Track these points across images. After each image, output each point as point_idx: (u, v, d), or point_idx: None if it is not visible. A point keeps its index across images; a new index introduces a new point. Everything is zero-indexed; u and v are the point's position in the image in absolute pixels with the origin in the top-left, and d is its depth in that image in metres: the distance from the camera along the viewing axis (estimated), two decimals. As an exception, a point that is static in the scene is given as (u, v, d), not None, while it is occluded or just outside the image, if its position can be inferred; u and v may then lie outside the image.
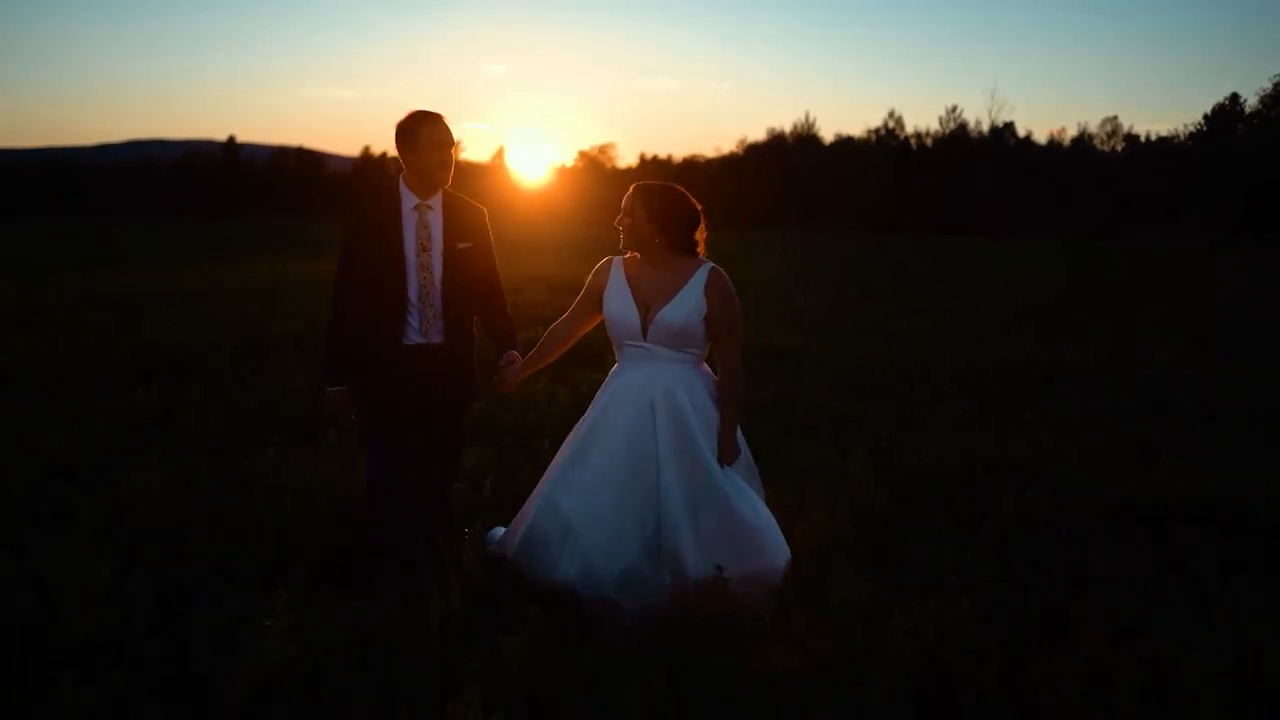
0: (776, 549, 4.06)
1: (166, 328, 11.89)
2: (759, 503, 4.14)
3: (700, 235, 4.14)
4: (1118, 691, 3.10)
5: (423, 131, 4.11)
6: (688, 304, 4.01)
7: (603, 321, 4.29)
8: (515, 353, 4.42)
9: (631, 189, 4.12)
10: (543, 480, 4.36)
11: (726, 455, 4.09)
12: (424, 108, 4.20)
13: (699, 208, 4.13)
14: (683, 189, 4.14)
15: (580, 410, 7.08)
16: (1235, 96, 79.74)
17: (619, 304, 4.15)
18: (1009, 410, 8.15)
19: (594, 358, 9.50)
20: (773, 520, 4.13)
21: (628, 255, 4.22)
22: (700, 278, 4.04)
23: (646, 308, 4.08)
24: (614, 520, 3.98)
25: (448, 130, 4.17)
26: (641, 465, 4.01)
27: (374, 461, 4.31)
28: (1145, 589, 4.15)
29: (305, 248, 35.95)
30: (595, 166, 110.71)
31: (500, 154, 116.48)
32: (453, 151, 4.21)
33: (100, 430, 7.03)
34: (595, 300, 4.28)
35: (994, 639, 3.52)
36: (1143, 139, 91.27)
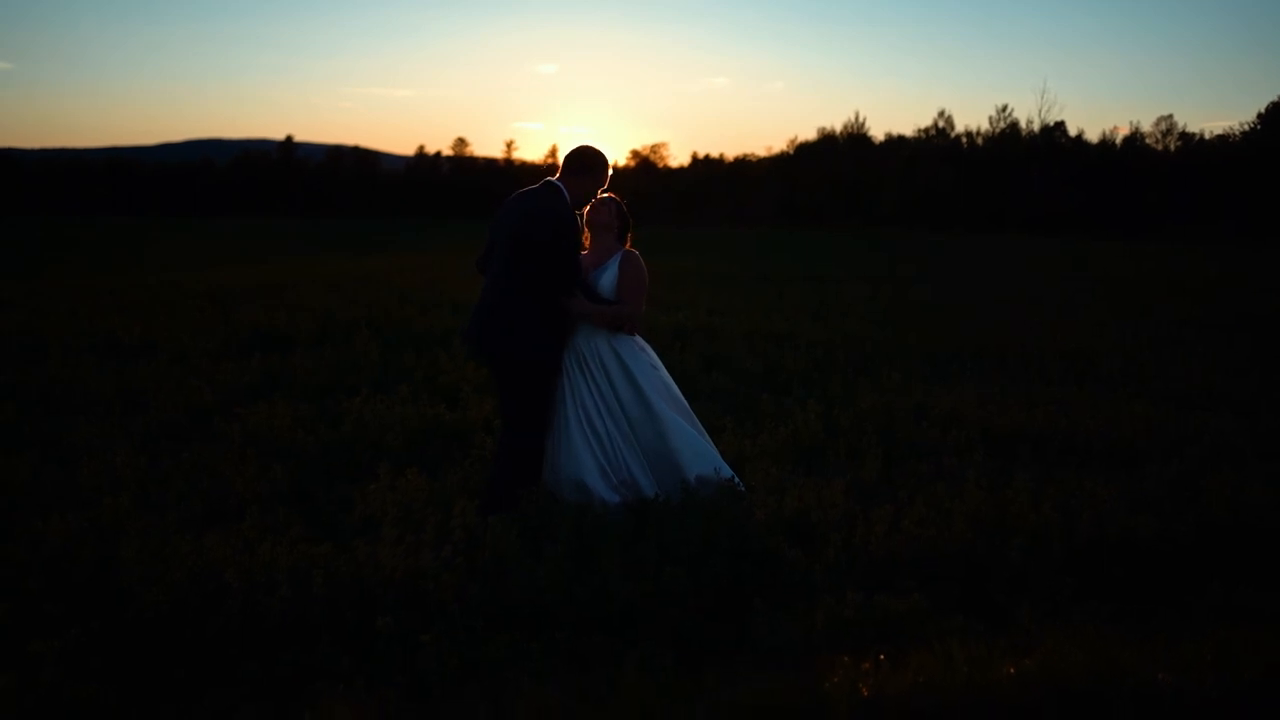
0: (706, 457, 5.55)
1: (258, 311, 13.91)
2: (681, 422, 5.60)
3: (630, 236, 5.81)
4: (913, 523, 4.91)
5: (607, 171, 5.65)
6: (608, 274, 5.65)
7: None
8: None
9: (611, 195, 5.77)
10: None
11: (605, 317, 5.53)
12: (597, 146, 5.65)
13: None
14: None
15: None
16: (1289, 94, 80.00)
17: None
18: (947, 378, 9.87)
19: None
20: (697, 437, 5.63)
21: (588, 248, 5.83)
22: (618, 257, 5.69)
23: (586, 275, 5.70)
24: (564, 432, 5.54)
25: None
26: (566, 388, 5.58)
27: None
28: (974, 482, 5.91)
29: (360, 244, 38.36)
30: (648, 166, 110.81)
31: (554, 153, 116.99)
32: None
33: (222, 385, 8.98)
34: None
35: (854, 505, 5.33)
36: (1197, 138, 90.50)
